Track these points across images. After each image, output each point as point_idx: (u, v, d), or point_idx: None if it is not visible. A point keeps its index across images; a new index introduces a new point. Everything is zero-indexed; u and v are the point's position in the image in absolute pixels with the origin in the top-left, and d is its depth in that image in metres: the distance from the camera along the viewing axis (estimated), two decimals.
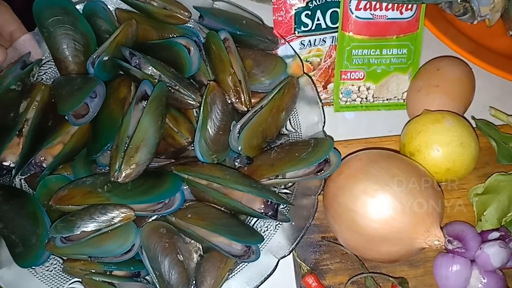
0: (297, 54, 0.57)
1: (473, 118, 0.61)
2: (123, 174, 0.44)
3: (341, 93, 0.63)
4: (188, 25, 0.58)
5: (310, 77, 0.56)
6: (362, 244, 0.45)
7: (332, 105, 0.64)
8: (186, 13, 0.57)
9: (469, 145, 0.51)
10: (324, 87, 0.64)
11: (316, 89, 0.56)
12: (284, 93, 0.53)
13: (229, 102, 0.52)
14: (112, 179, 0.44)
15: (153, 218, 0.48)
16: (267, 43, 0.57)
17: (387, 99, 0.64)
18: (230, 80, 0.52)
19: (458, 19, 0.66)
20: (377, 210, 0.43)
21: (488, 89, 0.64)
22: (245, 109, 0.52)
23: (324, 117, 0.54)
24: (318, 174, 0.49)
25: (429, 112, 0.54)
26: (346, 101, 0.63)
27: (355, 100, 0.64)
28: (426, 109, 0.56)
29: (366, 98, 0.64)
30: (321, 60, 0.62)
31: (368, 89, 0.63)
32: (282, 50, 0.58)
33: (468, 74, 0.59)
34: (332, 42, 0.62)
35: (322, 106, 0.55)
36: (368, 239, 0.44)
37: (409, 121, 0.57)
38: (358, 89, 0.63)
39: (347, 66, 0.62)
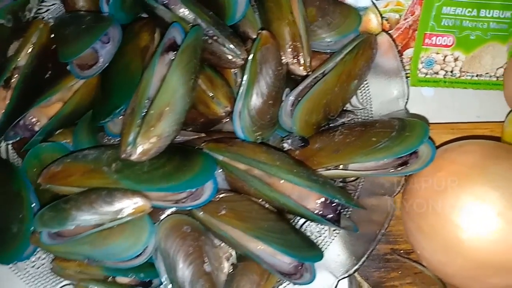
0: (375, 5, 0.43)
1: None
2: (139, 150, 0.32)
3: (421, 63, 0.49)
4: None
5: (391, 36, 0.42)
6: (464, 271, 0.33)
7: (408, 76, 0.50)
8: None
9: None
10: (400, 52, 0.49)
11: (398, 54, 0.42)
12: (358, 55, 0.39)
13: (284, 62, 0.39)
14: (124, 155, 0.32)
15: (172, 210, 0.36)
16: None
17: (477, 75, 0.50)
18: (288, 32, 0.39)
19: None
20: (498, 228, 0.31)
21: None
22: (304, 72, 0.39)
23: (408, 91, 0.41)
24: (400, 168, 0.36)
25: None
26: (427, 73, 0.49)
27: (437, 73, 0.49)
28: None
29: (451, 71, 0.49)
30: (400, 17, 0.48)
31: (456, 60, 0.49)
32: None
33: None
34: None
35: (407, 77, 0.41)
36: (476, 266, 0.32)
37: None
38: (444, 59, 0.49)
39: (433, 28, 0.48)
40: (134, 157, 0.32)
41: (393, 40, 0.42)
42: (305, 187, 0.34)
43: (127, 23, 0.40)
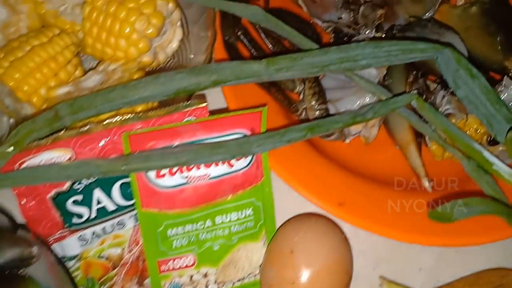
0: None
1: None
2: None
3: None
4: None
5: None
6: None
7: None
8: None
9: None
10: (140, 283, 0.42)
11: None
12: None
13: None
14: None
15: None
16: (15, 260, 0.35)
17: (238, 280, 0.44)
18: None
19: (325, 140, 0.48)
20: None
21: (370, 250, 0.45)
22: None
23: None
24: None
25: None
26: None
27: None
28: None
29: (206, 287, 0.43)
30: (124, 250, 0.41)
31: (205, 275, 0.43)
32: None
33: (339, 246, 0.40)
34: (136, 222, 0.40)
35: None
36: None
37: None
38: (191, 279, 0.42)
39: (165, 253, 0.41)
40: None
41: None
42: None
43: None
